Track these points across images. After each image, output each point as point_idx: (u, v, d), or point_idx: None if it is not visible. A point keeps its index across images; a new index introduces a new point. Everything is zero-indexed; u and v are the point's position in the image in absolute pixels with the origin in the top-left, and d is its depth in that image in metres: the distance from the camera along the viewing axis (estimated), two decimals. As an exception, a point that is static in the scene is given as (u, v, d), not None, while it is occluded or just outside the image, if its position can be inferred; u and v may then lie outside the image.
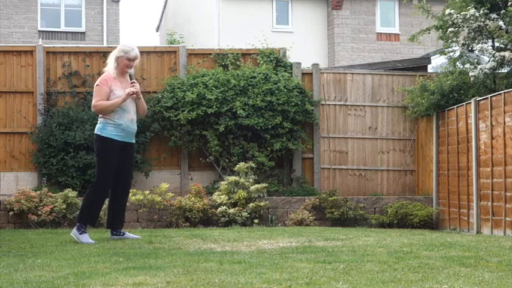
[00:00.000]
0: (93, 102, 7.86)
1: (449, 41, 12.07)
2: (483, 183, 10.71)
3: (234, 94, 12.33)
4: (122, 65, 7.92)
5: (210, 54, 13.14)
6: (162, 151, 12.74)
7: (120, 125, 7.89)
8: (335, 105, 13.16)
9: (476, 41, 11.48)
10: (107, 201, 8.38)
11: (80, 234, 7.91)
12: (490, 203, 10.44)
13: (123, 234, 8.24)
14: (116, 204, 8.20)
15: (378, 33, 24.43)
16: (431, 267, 5.36)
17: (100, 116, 7.94)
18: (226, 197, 11.54)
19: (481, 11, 11.31)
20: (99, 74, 12.65)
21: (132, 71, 8.00)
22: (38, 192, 11.37)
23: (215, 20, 23.51)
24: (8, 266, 5.73)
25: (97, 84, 7.92)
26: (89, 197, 8.03)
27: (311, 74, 13.15)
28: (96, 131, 7.97)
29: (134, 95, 7.93)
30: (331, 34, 24.19)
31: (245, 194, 11.48)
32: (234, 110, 12.25)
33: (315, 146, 12.99)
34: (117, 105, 7.83)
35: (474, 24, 11.33)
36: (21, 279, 4.90)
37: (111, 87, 7.86)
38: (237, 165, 11.89)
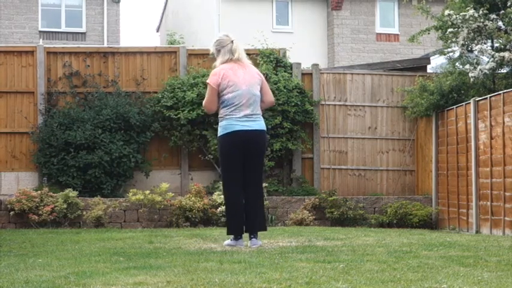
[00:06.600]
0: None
1: (449, 41, 12.08)
2: (482, 183, 10.73)
3: (234, 94, 12.33)
4: None
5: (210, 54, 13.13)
6: (162, 151, 12.76)
7: None
8: (335, 105, 13.18)
9: (476, 41, 11.49)
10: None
11: None
12: (489, 203, 10.46)
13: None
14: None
15: (377, 33, 24.43)
16: (431, 266, 5.37)
17: (261, 113, 7.52)
18: (226, 197, 11.54)
19: (480, 12, 11.33)
20: (100, 74, 12.73)
21: None
22: (39, 192, 11.40)
23: (215, 20, 23.51)
24: (9, 265, 5.76)
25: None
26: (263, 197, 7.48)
27: (311, 74, 13.16)
28: (265, 128, 7.45)
29: None
30: (331, 34, 24.20)
31: (245, 194, 11.48)
32: (234, 110, 12.24)
33: (315, 146, 13.01)
34: None
35: (473, 25, 11.34)
36: (22, 278, 4.92)
37: None
38: (237, 165, 11.89)
